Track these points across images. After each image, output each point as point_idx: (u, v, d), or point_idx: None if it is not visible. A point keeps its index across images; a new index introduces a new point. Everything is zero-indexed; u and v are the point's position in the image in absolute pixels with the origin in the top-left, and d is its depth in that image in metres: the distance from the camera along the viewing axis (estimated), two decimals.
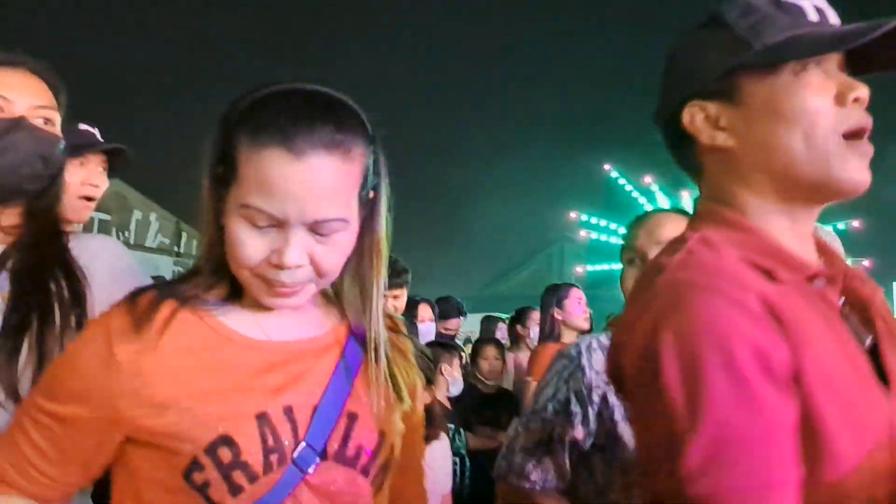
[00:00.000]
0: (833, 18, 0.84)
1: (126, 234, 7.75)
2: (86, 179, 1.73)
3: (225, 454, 0.84)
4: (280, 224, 0.84)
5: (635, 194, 19.09)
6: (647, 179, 17.63)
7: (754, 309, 0.72)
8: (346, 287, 0.97)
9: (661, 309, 0.74)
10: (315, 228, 0.85)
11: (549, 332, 3.56)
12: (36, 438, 0.89)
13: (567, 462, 1.45)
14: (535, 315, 4.13)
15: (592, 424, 1.44)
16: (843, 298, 0.85)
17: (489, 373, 3.77)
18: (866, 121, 0.81)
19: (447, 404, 3.24)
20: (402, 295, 3.18)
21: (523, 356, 4.19)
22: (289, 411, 0.88)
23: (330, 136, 0.84)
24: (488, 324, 5.68)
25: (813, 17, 0.83)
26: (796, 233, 0.84)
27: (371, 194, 0.93)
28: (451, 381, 3.19)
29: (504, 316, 5.48)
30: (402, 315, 3.60)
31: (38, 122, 1.16)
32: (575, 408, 1.45)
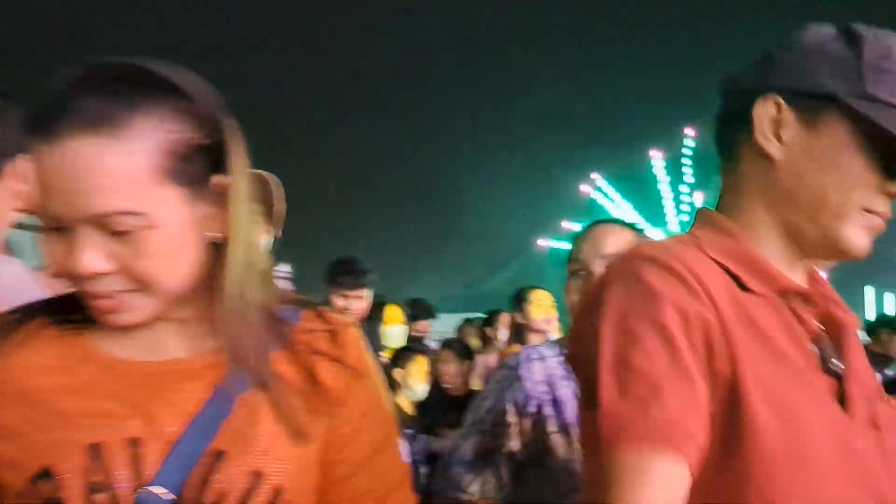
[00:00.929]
0: None
1: None
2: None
3: (45, 489, 0.73)
4: (64, 225, 0.73)
5: (608, 206, 19.33)
6: (594, 175, 17.98)
7: (696, 288, 0.76)
8: (208, 300, 0.80)
9: (614, 273, 0.80)
10: (104, 226, 0.72)
11: (515, 336, 3.57)
12: None
13: (506, 474, 1.45)
14: (504, 318, 4.15)
15: (527, 436, 1.44)
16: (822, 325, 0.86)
17: (448, 377, 3.75)
18: (888, 214, 0.84)
19: (407, 408, 3.23)
20: (366, 295, 3.16)
21: (493, 359, 4.19)
22: (134, 444, 0.75)
23: (90, 111, 0.70)
24: (465, 326, 5.67)
25: None
26: (787, 262, 0.86)
27: (222, 180, 0.78)
28: (410, 385, 3.19)
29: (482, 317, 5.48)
30: (370, 317, 3.61)
31: None
32: (512, 419, 1.45)
